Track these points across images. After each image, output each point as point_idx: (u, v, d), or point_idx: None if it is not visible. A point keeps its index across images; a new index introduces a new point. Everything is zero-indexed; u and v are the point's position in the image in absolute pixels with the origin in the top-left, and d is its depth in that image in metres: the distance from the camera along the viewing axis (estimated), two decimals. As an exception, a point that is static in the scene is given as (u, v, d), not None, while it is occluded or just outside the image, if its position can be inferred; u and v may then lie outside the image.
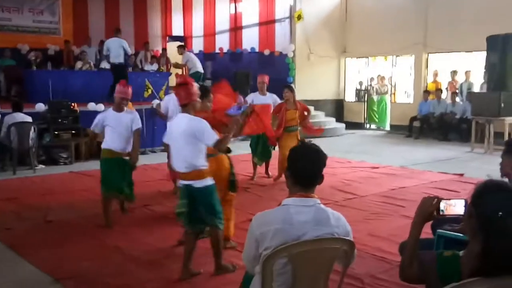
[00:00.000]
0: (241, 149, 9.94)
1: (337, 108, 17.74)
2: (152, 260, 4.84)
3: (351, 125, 16.86)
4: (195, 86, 4.46)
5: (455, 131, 13.98)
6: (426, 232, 3.01)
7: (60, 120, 10.69)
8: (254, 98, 8.08)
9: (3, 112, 9.92)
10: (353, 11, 17.13)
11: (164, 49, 17.54)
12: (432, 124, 14.47)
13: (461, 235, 3.11)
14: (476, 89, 13.95)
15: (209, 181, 4.38)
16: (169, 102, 7.41)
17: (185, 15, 19.77)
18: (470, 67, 14.48)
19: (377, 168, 9.79)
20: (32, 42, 15.69)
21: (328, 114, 16.91)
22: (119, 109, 5.94)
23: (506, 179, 3.53)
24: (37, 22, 16.55)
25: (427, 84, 15.72)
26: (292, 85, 12.07)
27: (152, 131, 11.47)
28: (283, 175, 8.01)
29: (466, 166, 9.84)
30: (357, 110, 17.55)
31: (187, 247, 4.46)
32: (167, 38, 19.80)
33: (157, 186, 8.04)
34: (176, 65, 13.94)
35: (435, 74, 15.53)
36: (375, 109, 17.13)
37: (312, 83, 16.63)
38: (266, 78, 8.75)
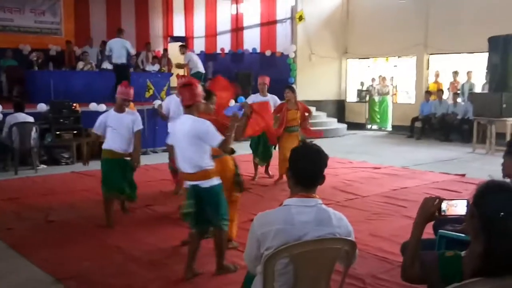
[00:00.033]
0: (242, 149, 9.88)
1: (339, 109, 17.73)
2: (154, 260, 4.84)
3: (352, 126, 16.86)
4: (200, 87, 4.47)
5: (457, 132, 13.97)
6: (428, 232, 3.02)
7: (61, 120, 10.70)
8: (255, 100, 8.11)
9: (5, 112, 9.94)
10: (354, 12, 17.14)
11: (166, 50, 17.56)
12: (434, 125, 14.46)
13: (463, 235, 3.11)
14: (477, 89, 13.94)
15: (215, 181, 4.39)
16: (171, 102, 7.42)
17: (186, 15, 19.78)
18: (472, 68, 14.47)
19: (379, 168, 9.79)
20: (33, 43, 15.69)
21: (330, 115, 16.91)
22: (120, 110, 5.94)
23: (508, 180, 3.53)
24: (39, 22, 16.56)
25: (428, 84, 15.72)
26: (294, 85, 12.08)
27: (153, 132, 11.48)
28: (284, 176, 8.14)
29: (468, 167, 9.83)
30: (358, 111, 17.55)
31: (191, 247, 4.47)
32: (169, 38, 19.80)
33: (158, 186, 8.04)
34: (179, 65, 13.94)
35: (437, 75, 15.53)
36: (377, 109, 17.14)
37: (313, 83, 16.62)
38: (267, 80, 8.74)
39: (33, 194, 7.67)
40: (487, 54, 12.11)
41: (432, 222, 2.68)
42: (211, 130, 4.21)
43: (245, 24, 17.92)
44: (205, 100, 4.56)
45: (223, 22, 18.45)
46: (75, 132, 10.72)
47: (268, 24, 17.19)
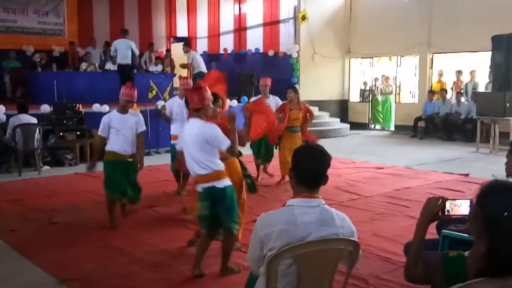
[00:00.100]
0: (243, 150, 9.92)
1: (342, 109, 17.72)
2: (158, 262, 4.84)
3: (355, 126, 16.85)
4: (209, 91, 4.47)
5: (460, 131, 13.95)
6: (431, 232, 3.01)
7: (65, 122, 10.73)
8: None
9: (9, 114, 9.96)
10: (357, 12, 17.12)
11: (168, 50, 17.57)
12: (437, 124, 14.44)
13: (466, 235, 3.10)
14: (481, 89, 13.92)
15: (228, 181, 4.42)
16: (173, 104, 7.43)
17: (189, 16, 19.79)
18: (475, 67, 14.45)
19: (382, 168, 9.77)
20: (37, 44, 15.74)
21: (333, 115, 16.89)
22: (123, 111, 5.93)
23: (511, 179, 3.52)
24: (42, 23, 16.59)
25: (431, 84, 15.69)
26: (297, 85, 12.08)
27: (156, 132, 11.49)
28: (285, 177, 8.15)
29: (471, 166, 9.81)
30: (361, 111, 17.53)
31: (201, 247, 4.51)
32: (172, 39, 19.82)
33: (161, 187, 8.05)
34: (183, 66, 13.99)
35: (440, 74, 15.50)
36: (380, 109, 17.12)
37: (316, 83, 16.62)
38: (269, 81, 8.72)
39: (36, 195, 7.68)
40: (490, 53, 12.08)
41: (436, 222, 2.66)
42: (219, 135, 4.25)
43: (248, 24, 17.94)
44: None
45: (226, 22, 18.46)
46: (78, 133, 10.74)
47: (271, 24, 17.19)
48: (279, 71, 15.79)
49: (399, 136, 15.39)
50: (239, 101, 13.53)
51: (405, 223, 5.93)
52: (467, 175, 8.94)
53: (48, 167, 9.96)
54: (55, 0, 16.75)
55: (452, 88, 15.05)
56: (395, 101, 16.92)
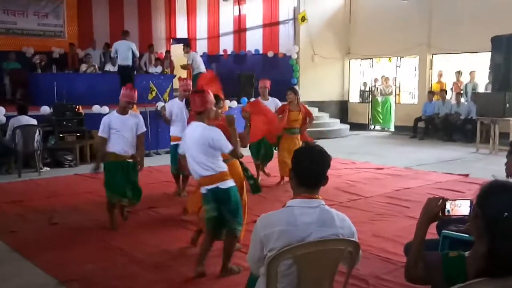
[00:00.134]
0: (243, 151, 9.93)
1: (342, 109, 17.72)
2: (158, 262, 4.84)
3: (355, 126, 16.85)
4: (211, 94, 4.48)
5: (460, 132, 13.95)
6: (432, 233, 3.01)
7: (65, 123, 10.72)
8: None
9: (9, 115, 9.96)
10: (357, 13, 17.13)
11: (168, 52, 17.58)
12: (437, 125, 14.44)
13: (466, 235, 3.10)
14: (481, 89, 13.93)
15: (232, 182, 4.44)
16: (173, 106, 7.44)
17: (189, 17, 19.80)
18: (475, 68, 14.46)
19: (382, 169, 9.78)
20: (37, 45, 15.74)
21: (333, 116, 16.90)
22: (124, 112, 5.92)
23: (511, 180, 3.52)
24: (42, 25, 16.58)
25: (431, 84, 15.70)
26: (296, 86, 12.08)
27: (156, 133, 11.49)
28: (284, 178, 8.16)
29: (471, 167, 9.81)
30: (361, 111, 17.53)
31: (205, 247, 4.52)
32: (171, 40, 19.82)
33: (161, 188, 8.05)
34: (184, 67, 14.00)
35: (440, 75, 15.51)
36: (380, 110, 17.13)
37: (316, 84, 16.62)
38: (268, 83, 8.69)
39: (36, 196, 7.67)
40: (490, 53, 12.09)
41: (436, 223, 2.66)
42: (221, 138, 4.27)
43: (247, 25, 17.94)
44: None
45: (226, 24, 18.46)
46: (78, 134, 10.73)
47: (271, 25, 17.20)
48: (279, 72, 15.80)
49: (399, 136, 15.39)
50: (238, 102, 13.53)
51: (405, 223, 5.93)
52: (467, 175, 8.94)
53: (48, 168, 9.96)
54: (55, 2, 16.75)
55: (452, 89, 15.06)
56: (395, 102, 16.92)
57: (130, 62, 12.76)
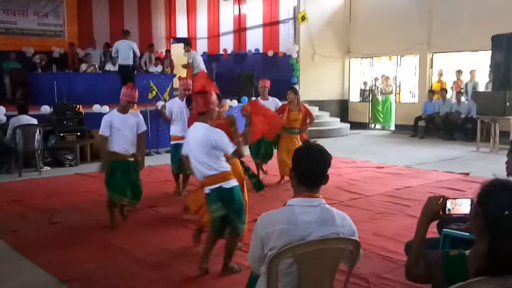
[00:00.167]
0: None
1: (342, 109, 17.72)
2: (158, 262, 4.84)
3: (355, 125, 16.84)
4: (214, 94, 4.48)
5: (460, 131, 13.95)
6: (432, 231, 3.01)
7: (65, 122, 10.73)
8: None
9: (9, 115, 9.96)
10: (357, 12, 17.12)
11: (168, 51, 17.58)
12: (437, 124, 14.44)
13: (467, 234, 3.09)
14: (481, 88, 13.92)
15: (235, 182, 4.46)
16: (173, 105, 7.44)
17: (189, 16, 19.80)
18: (475, 66, 14.45)
19: (382, 168, 9.78)
20: (37, 45, 15.75)
21: (333, 115, 16.89)
22: (124, 111, 5.92)
23: (512, 178, 3.52)
24: (42, 25, 16.60)
25: (432, 83, 15.69)
26: (297, 85, 12.08)
27: (156, 133, 11.50)
28: (284, 177, 8.17)
29: (472, 166, 9.81)
30: (361, 110, 17.53)
31: (208, 245, 4.55)
32: (171, 40, 19.83)
33: (162, 188, 8.05)
34: (185, 66, 14.00)
35: (440, 74, 15.50)
36: (380, 109, 17.13)
37: (316, 83, 16.62)
38: (268, 83, 8.68)
39: (37, 196, 7.68)
40: (490, 52, 12.08)
41: (436, 221, 2.66)
42: (224, 139, 4.28)
43: (247, 24, 17.95)
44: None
45: (226, 23, 18.47)
46: (78, 133, 10.74)
47: (271, 24, 17.20)
48: (279, 71, 15.81)
49: (399, 135, 15.39)
50: (239, 101, 13.53)
51: (405, 222, 5.93)
52: (467, 174, 8.94)
53: (49, 168, 9.97)
54: (55, 2, 16.76)
55: (452, 88, 15.05)
56: (395, 101, 16.92)
57: (131, 62, 12.77)
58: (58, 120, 10.61)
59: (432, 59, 15.70)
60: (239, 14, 18.12)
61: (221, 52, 18.44)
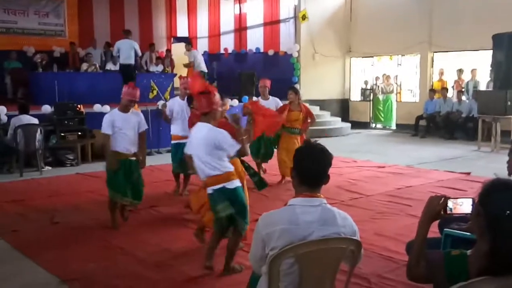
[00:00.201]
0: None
1: (343, 108, 17.71)
2: (159, 262, 4.84)
3: (356, 125, 16.83)
4: (217, 95, 4.48)
5: (462, 130, 13.94)
6: (433, 231, 3.00)
7: (66, 122, 10.73)
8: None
9: (10, 115, 9.97)
10: (357, 11, 17.11)
11: (169, 50, 17.58)
12: (438, 123, 14.43)
13: (468, 234, 3.09)
14: (482, 87, 13.90)
15: (238, 182, 4.46)
16: (174, 105, 7.45)
17: (189, 16, 19.79)
18: (476, 66, 14.43)
19: (383, 167, 9.77)
20: (37, 45, 15.75)
21: (334, 114, 16.89)
22: (125, 110, 5.91)
23: (513, 178, 3.51)
24: (43, 24, 16.61)
25: (432, 83, 15.68)
26: (297, 85, 12.07)
27: (157, 132, 11.50)
28: (285, 177, 8.17)
29: (473, 165, 9.80)
30: (362, 110, 17.52)
31: (212, 244, 4.57)
32: (172, 39, 19.82)
33: (163, 187, 8.05)
34: (187, 65, 13.99)
35: (441, 73, 15.50)
36: (381, 108, 17.11)
37: (317, 83, 16.61)
38: (268, 83, 8.68)
39: (38, 196, 7.68)
40: (491, 51, 12.06)
41: (438, 221, 2.66)
42: (227, 139, 4.27)
43: (248, 24, 17.94)
44: None
45: (226, 22, 18.46)
46: (79, 133, 10.74)
47: (272, 23, 17.19)
48: (280, 70, 15.81)
49: (400, 135, 15.38)
50: (240, 101, 13.53)
51: (406, 222, 5.93)
52: (468, 173, 8.93)
53: (50, 168, 9.97)
54: (56, 1, 16.76)
55: (453, 87, 15.04)
56: (396, 100, 16.91)
57: (132, 61, 12.76)
58: (59, 120, 10.61)
59: (433, 58, 15.69)
60: (240, 13, 18.11)
61: (222, 51, 18.43)
